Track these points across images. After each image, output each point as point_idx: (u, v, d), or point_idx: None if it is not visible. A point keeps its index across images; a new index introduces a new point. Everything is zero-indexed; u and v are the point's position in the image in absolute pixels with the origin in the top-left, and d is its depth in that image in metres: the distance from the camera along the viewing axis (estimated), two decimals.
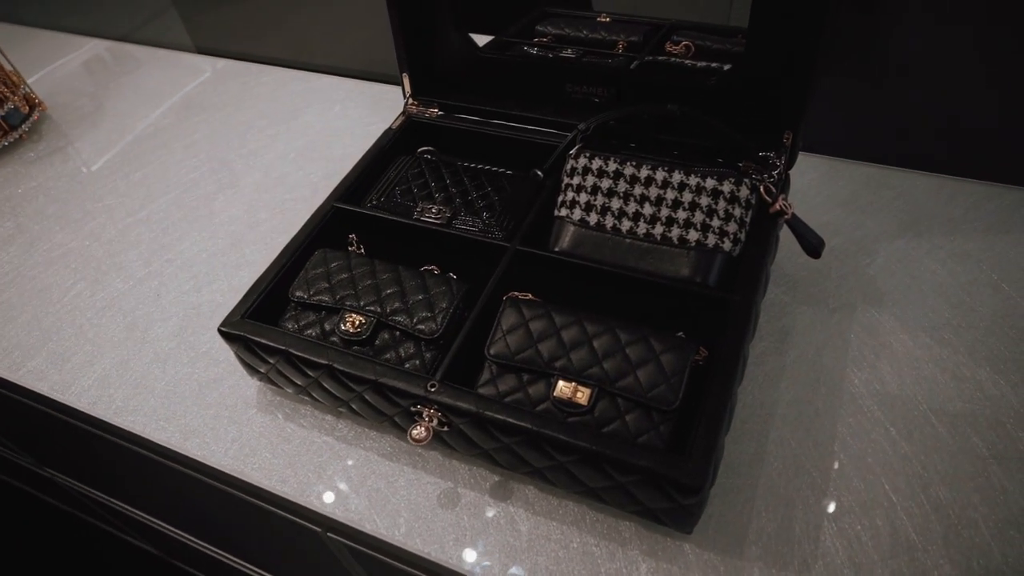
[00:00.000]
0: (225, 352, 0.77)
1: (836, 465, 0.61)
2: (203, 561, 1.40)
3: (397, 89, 1.10)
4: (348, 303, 0.66)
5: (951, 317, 0.70)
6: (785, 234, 0.71)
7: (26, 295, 0.87)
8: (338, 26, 1.15)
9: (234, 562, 1.27)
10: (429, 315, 0.64)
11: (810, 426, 0.64)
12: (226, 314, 0.67)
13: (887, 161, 0.87)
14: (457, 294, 0.66)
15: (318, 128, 1.08)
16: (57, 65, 1.32)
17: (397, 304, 0.65)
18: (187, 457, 0.70)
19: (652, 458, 0.52)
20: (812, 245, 0.67)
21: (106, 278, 0.88)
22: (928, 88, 0.79)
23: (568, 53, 0.84)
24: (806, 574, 0.55)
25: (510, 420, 0.56)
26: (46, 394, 0.76)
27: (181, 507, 1.10)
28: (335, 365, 0.61)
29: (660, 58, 0.80)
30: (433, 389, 0.58)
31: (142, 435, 0.72)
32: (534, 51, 0.84)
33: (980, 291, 0.71)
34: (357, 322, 0.65)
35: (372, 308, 0.66)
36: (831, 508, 0.58)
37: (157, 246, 0.92)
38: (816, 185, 0.86)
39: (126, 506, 1.31)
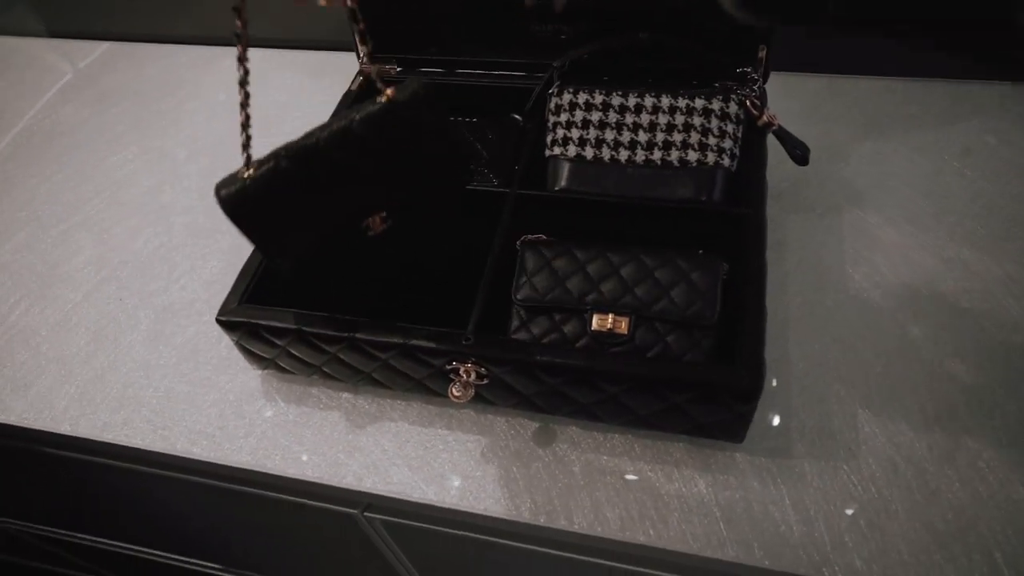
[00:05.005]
0: (214, 347, 0.71)
1: (856, 356, 0.64)
2: None
3: (335, 55, 1.04)
4: None
5: (927, 206, 0.74)
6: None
7: None
8: None
9: None
10: None
11: (825, 324, 0.66)
12: (202, 308, 0.62)
13: (832, 70, 0.90)
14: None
15: (259, 103, 1.01)
16: None
17: None
18: (199, 461, 0.65)
19: (709, 372, 0.53)
20: (799, 153, 0.69)
21: (52, 291, 0.80)
22: None
23: None
24: (854, 460, 0.58)
25: (558, 360, 0.55)
26: (14, 423, 0.69)
27: (188, 528, 1.01)
28: (358, 335, 0.58)
29: None
30: (468, 342, 0.56)
31: (142, 447, 0.66)
32: None
33: (947, 179, 0.76)
34: None
35: None
36: (861, 397, 0.61)
37: (105, 248, 0.83)
38: (773, 101, 0.88)
39: (115, 543, 1.19)
